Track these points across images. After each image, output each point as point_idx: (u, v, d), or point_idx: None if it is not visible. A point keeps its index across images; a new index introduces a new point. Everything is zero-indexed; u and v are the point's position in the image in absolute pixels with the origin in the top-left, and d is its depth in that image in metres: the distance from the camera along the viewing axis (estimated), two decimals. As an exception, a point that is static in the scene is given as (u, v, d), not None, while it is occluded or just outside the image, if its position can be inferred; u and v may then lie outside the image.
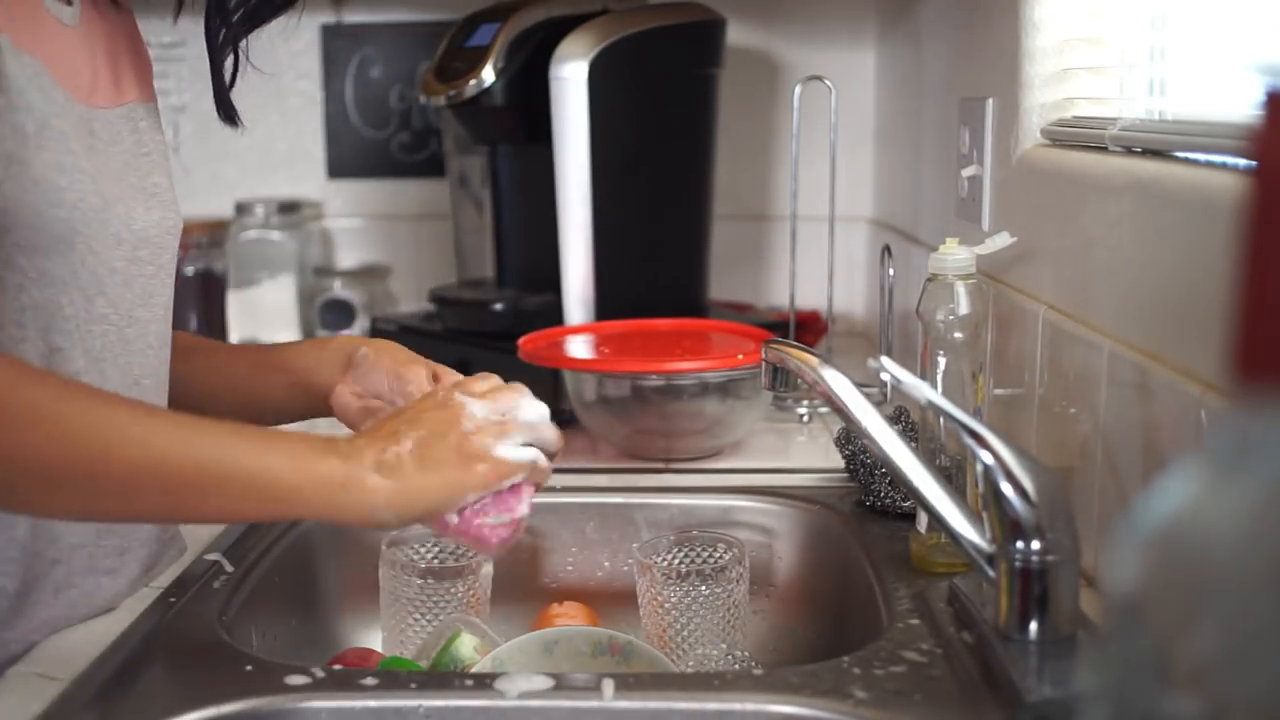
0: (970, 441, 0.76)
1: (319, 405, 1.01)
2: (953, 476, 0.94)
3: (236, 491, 0.75)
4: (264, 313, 1.89)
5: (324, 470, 0.76)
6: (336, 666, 0.92)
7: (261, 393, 1.02)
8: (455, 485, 0.79)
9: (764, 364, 0.95)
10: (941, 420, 0.94)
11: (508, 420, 0.82)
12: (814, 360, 0.89)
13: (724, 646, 1.01)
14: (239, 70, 0.99)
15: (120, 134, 0.90)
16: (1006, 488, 0.75)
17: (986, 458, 0.75)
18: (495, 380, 0.86)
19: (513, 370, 1.38)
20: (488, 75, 1.46)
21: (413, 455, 0.78)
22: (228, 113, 1.01)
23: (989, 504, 0.76)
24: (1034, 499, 0.75)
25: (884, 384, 1.46)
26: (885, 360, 0.80)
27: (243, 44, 0.98)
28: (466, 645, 0.95)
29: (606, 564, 1.16)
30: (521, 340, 1.31)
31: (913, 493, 0.82)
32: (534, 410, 0.84)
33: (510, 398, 0.84)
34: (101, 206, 0.84)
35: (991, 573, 0.78)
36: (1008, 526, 0.76)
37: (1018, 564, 0.76)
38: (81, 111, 0.86)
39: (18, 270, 0.81)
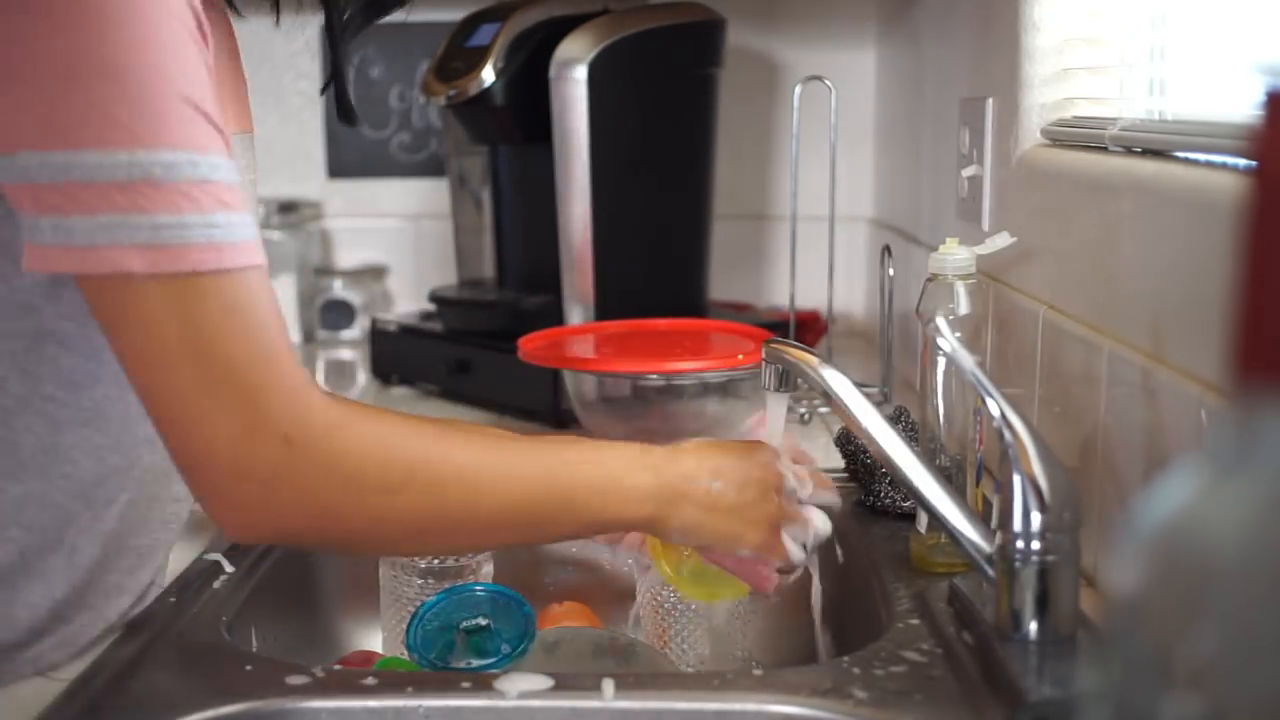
0: (1002, 426, 0.76)
1: None
2: (953, 476, 0.94)
3: (576, 526, 0.83)
4: (264, 313, 1.89)
5: (646, 512, 0.83)
6: (336, 667, 0.92)
7: None
8: (737, 540, 0.86)
9: (764, 364, 0.95)
10: (942, 421, 0.94)
11: (799, 510, 0.90)
12: (814, 360, 0.89)
13: (723, 646, 1.01)
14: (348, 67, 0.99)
15: (237, 158, 0.87)
16: (1020, 479, 0.75)
17: (1012, 444, 0.75)
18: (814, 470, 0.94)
19: (513, 370, 1.39)
20: (488, 75, 1.46)
21: (724, 503, 0.85)
22: (348, 112, 1.00)
23: (1002, 489, 0.76)
24: (1047, 495, 0.75)
25: (884, 383, 1.46)
26: (939, 321, 0.81)
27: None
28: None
29: (606, 564, 1.16)
30: (521, 340, 1.31)
31: (913, 492, 0.82)
32: (825, 524, 0.91)
33: (809, 481, 0.91)
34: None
35: (991, 572, 0.78)
36: (1016, 515, 0.75)
37: (1018, 564, 0.76)
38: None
39: None
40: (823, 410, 1.45)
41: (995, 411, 0.76)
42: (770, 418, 0.96)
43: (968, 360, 0.79)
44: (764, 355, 0.95)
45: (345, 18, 0.94)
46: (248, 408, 0.68)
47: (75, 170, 0.65)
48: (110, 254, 0.66)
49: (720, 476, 0.85)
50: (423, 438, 0.76)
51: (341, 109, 1.00)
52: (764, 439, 0.94)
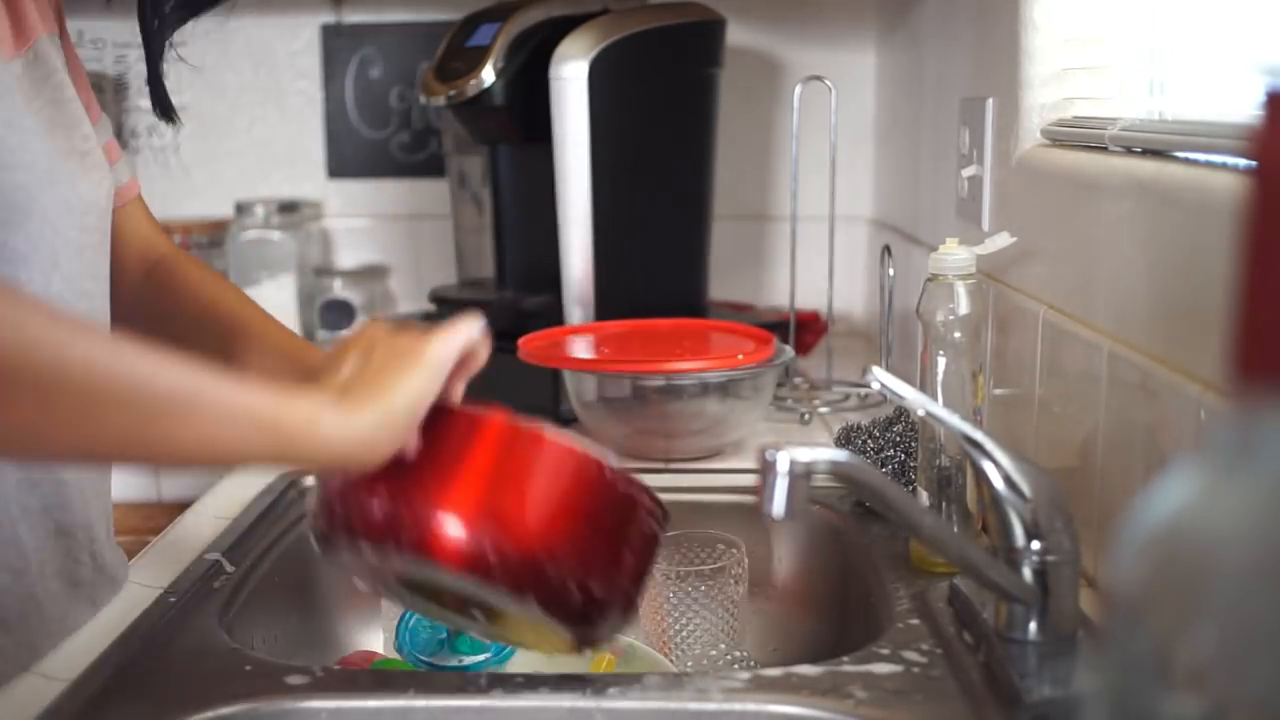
0: (968, 448, 0.76)
1: None
2: (952, 478, 0.94)
3: (217, 415, 0.66)
4: (264, 313, 1.89)
5: (302, 401, 0.69)
6: (336, 667, 0.92)
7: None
8: (409, 377, 0.73)
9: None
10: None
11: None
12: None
13: (723, 646, 1.01)
14: (165, 62, 0.96)
15: (38, 84, 0.85)
16: (1005, 493, 0.75)
17: (985, 464, 0.75)
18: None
19: (513, 370, 1.38)
20: (488, 75, 1.46)
21: (360, 373, 0.73)
22: (164, 108, 0.98)
23: (987, 509, 0.76)
24: (1032, 502, 0.75)
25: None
26: (877, 371, 0.79)
27: (176, 37, 0.95)
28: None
29: (606, 564, 1.16)
30: (521, 340, 1.31)
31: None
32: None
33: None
34: (50, 168, 0.80)
35: (1024, 596, 0.78)
36: (1007, 531, 0.76)
37: (1019, 563, 0.76)
38: (3, 73, 0.80)
39: None
40: (823, 410, 1.45)
41: (965, 429, 0.76)
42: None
43: (918, 401, 0.78)
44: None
45: (165, 10, 0.93)
46: None
47: None
48: None
49: (336, 369, 0.74)
50: (17, 295, 0.65)
51: (157, 104, 0.97)
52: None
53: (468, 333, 0.77)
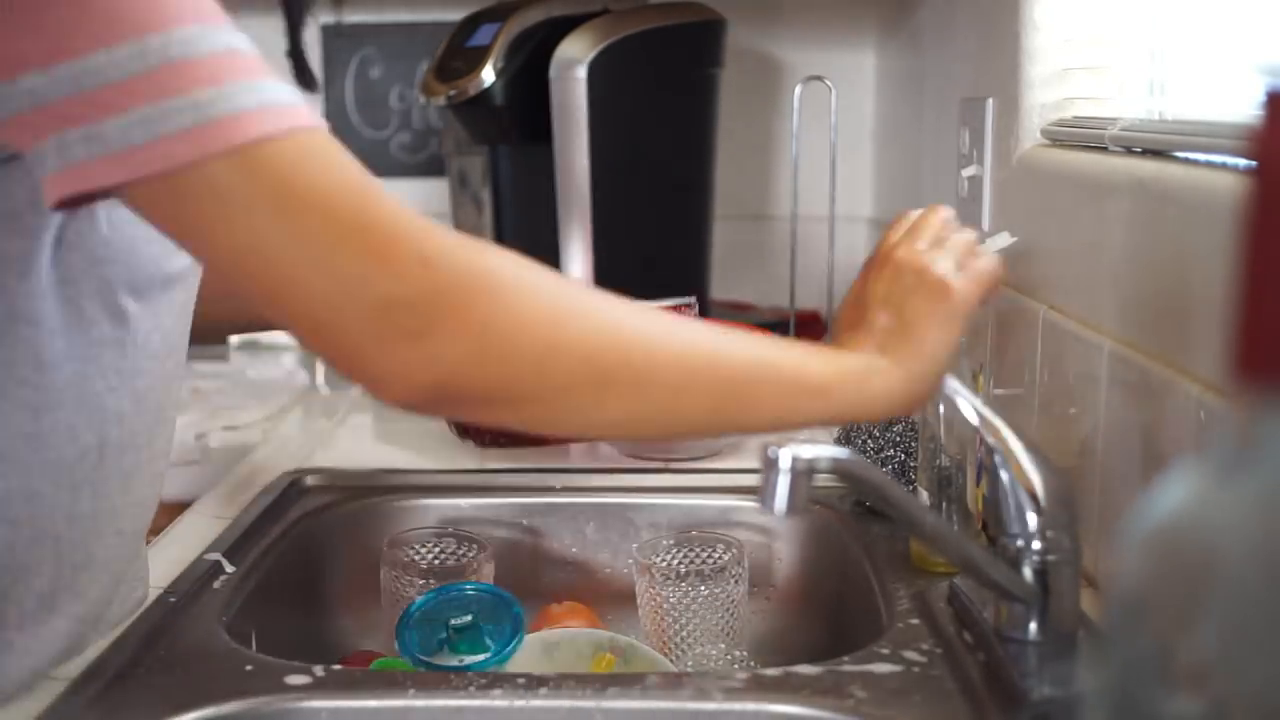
0: (985, 434, 0.76)
1: None
2: (952, 478, 0.94)
3: (777, 390, 0.71)
4: (264, 313, 1.89)
5: (850, 363, 0.74)
6: (336, 666, 0.92)
7: None
8: (944, 330, 0.76)
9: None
10: (942, 421, 0.94)
11: (946, 240, 0.80)
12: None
13: (723, 646, 1.01)
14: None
15: None
16: (1014, 485, 0.75)
17: (999, 451, 0.75)
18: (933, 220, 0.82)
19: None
20: (488, 75, 1.46)
21: (894, 325, 0.76)
22: (306, 79, 0.96)
23: (995, 499, 0.76)
24: (1042, 499, 0.75)
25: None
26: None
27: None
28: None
29: (606, 564, 1.16)
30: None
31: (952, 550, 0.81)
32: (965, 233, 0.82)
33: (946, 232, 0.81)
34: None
35: (1024, 595, 0.78)
36: (1012, 524, 0.75)
37: (1019, 563, 0.76)
38: None
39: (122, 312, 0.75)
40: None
41: (987, 415, 0.76)
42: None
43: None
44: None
45: None
46: (364, 238, 0.61)
47: (89, 76, 0.59)
48: (158, 148, 0.59)
49: (870, 320, 0.76)
50: (578, 298, 0.68)
51: (301, 76, 0.96)
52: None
53: (993, 269, 0.80)
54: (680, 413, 0.70)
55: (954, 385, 0.78)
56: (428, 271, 0.62)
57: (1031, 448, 0.76)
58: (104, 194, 0.62)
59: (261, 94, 0.61)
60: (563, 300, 0.67)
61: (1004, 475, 0.75)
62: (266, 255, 0.61)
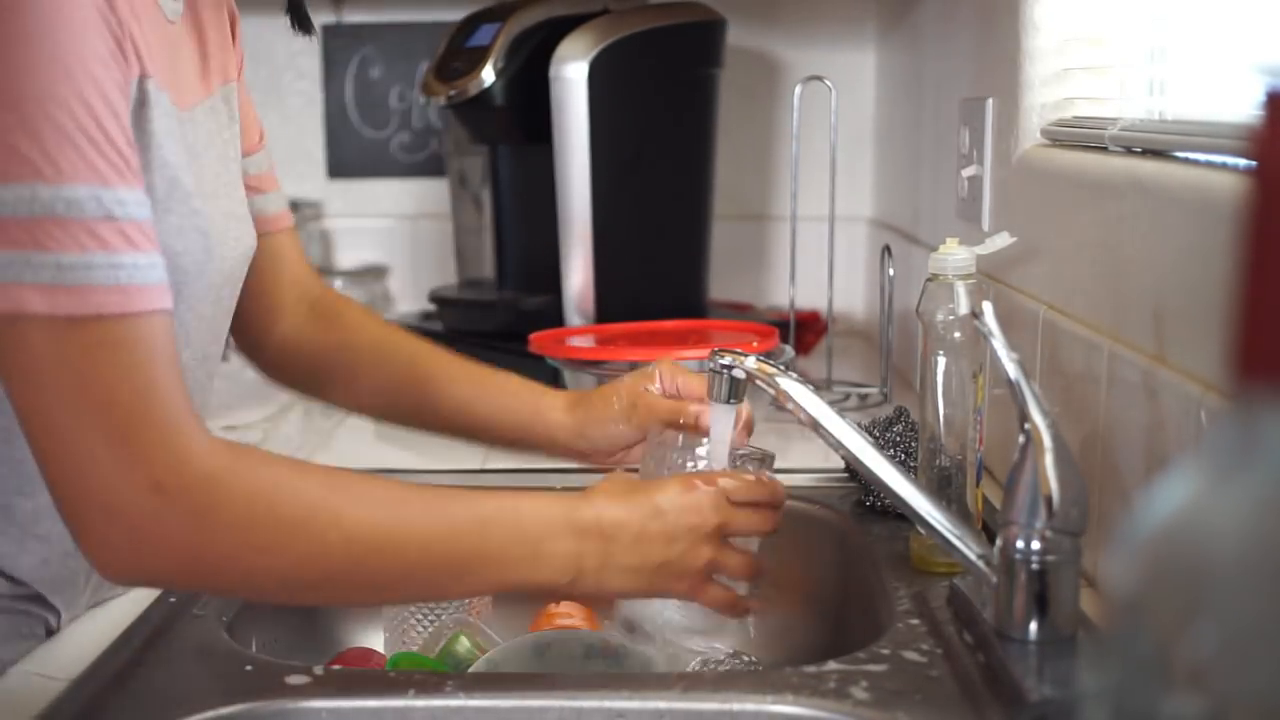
0: (1025, 417, 0.76)
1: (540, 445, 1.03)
2: (952, 477, 0.94)
3: (483, 588, 0.81)
4: (264, 313, 1.89)
5: (565, 580, 0.78)
6: (336, 666, 0.92)
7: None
8: (658, 593, 0.83)
9: (712, 374, 0.91)
10: (942, 421, 0.94)
11: (734, 555, 0.83)
12: (770, 370, 0.88)
13: (718, 646, 1.00)
14: None
15: (212, 132, 0.86)
16: (1034, 479, 0.75)
17: (1032, 440, 0.75)
18: (762, 489, 0.86)
19: (512, 369, 1.38)
20: (488, 75, 1.46)
21: (650, 562, 0.79)
22: (304, 21, 0.97)
23: (1012, 482, 0.76)
24: (1056, 503, 0.75)
25: (884, 383, 1.46)
26: (988, 306, 0.81)
27: None
28: (465, 645, 0.95)
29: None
30: (533, 336, 1.32)
31: (894, 498, 0.83)
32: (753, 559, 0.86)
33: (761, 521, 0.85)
34: (205, 260, 0.80)
35: (984, 568, 0.79)
36: (1022, 512, 0.76)
37: (1018, 564, 0.76)
38: (189, 126, 0.81)
39: None
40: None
41: (1029, 406, 0.76)
42: (716, 431, 0.92)
43: (1008, 352, 0.79)
44: (712, 365, 0.92)
45: None
46: (121, 450, 0.66)
47: None
48: (10, 291, 0.64)
49: (646, 536, 0.79)
50: (311, 494, 0.72)
51: (298, 18, 0.97)
52: (711, 451, 0.92)
53: (731, 601, 0.84)
54: (382, 601, 0.87)
55: (1020, 369, 0.78)
56: (157, 498, 0.66)
57: (1061, 447, 0.75)
58: None
59: (118, 271, 0.66)
60: (274, 525, 0.70)
61: (1027, 466, 0.75)
62: (49, 420, 0.66)
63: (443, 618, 1.01)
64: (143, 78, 0.73)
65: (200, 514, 0.67)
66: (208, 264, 0.81)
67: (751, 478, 0.85)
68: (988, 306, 0.81)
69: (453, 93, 1.48)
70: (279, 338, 1.06)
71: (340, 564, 0.71)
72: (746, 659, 1.03)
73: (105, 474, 0.66)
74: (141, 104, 0.74)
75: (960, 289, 0.93)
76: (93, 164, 0.65)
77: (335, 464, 1.24)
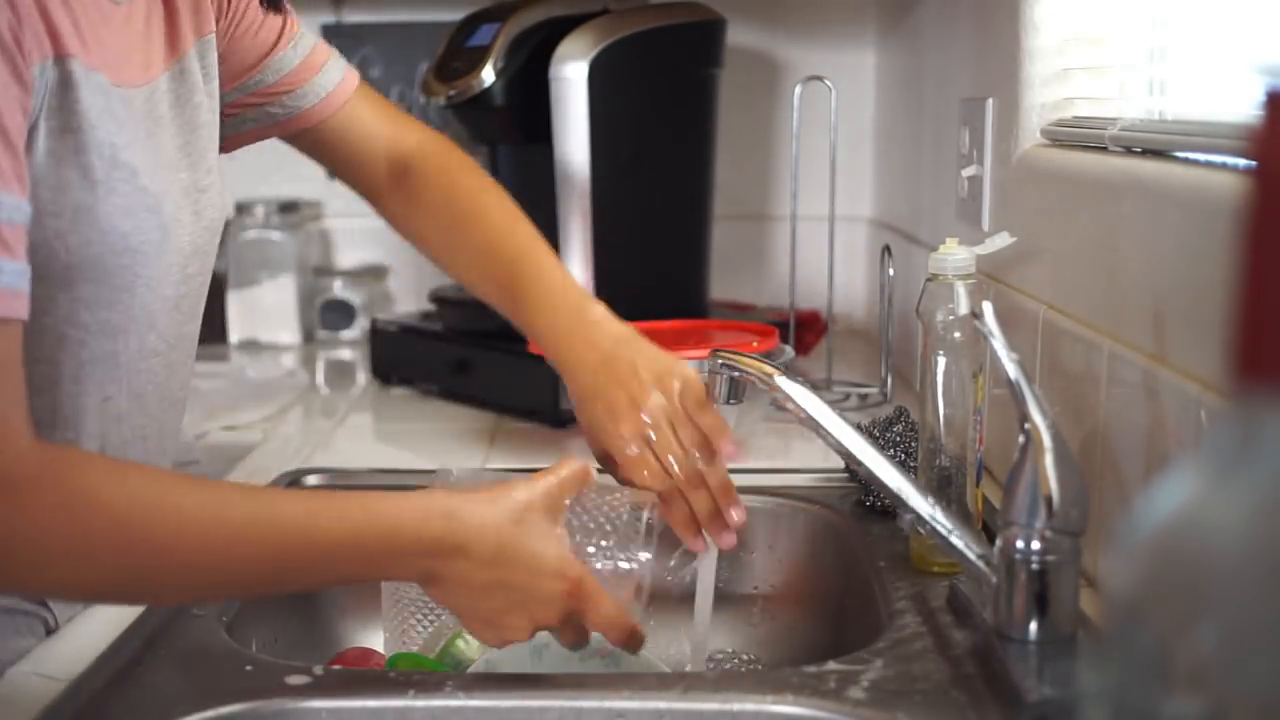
0: (1025, 418, 0.76)
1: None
2: (952, 477, 0.94)
3: (337, 575, 0.77)
4: (264, 313, 1.89)
5: (401, 572, 0.77)
6: (336, 666, 0.92)
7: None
8: (485, 629, 0.78)
9: (711, 374, 0.93)
10: (942, 421, 0.94)
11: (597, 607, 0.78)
12: (771, 371, 0.88)
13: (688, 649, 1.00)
14: None
15: (178, 101, 0.85)
16: (1034, 479, 0.75)
17: (1032, 441, 0.75)
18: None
19: (513, 370, 1.39)
20: (488, 75, 1.46)
21: (485, 615, 0.76)
22: (274, 1, 0.97)
23: (1012, 482, 0.76)
24: (1056, 503, 0.75)
25: (884, 383, 1.46)
26: (988, 306, 0.81)
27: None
28: (465, 645, 0.95)
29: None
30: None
31: (893, 497, 0.83)
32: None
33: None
34: (161, 239, 0.80)
35: (983, 568, 0.79)
36: (1019, 512, 0.76)
37: (1018, 564, 0.76)
38: (139, 103, 0.81)
39: (80, 326, 0.78)
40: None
41: (1029, 406, 0.76)
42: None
43: (1008, 352, 0.79)
44: (710, 366, 0.93)
45: None
46: None
47: None
48: None
49: (482, 597, 0.75)
50: (132, 498, 0.69)
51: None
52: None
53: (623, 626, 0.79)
54: (215, 597, 0.81)
55: (1019, 369, 0.78)
56: (11, 457, 0.65)
57: (1061, 447, 0.75)
58: None
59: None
60: (84, 534, 0.67)
61: (1027, 466, 0.75)
62: None
63: (443, 617, 1.01)
64: (61, 58, 0.72)
65: (10, 519, 0.65)
66: (164, 242, 0.81)
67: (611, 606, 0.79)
68: (988, 306, 0.81)
69: (452, 93, 1.48)
70: (387, 205, 1.07)
71: (152, 571, 0.69)
72: (746, 658, 1.03)
73: None
74: (65, 85, 0.73)
75: (960, 289, 0.93)
76: None
77: (334, 464, 1.24)
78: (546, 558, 0.76)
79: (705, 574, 0.95)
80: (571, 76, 1.43)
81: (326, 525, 0.71)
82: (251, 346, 1.89)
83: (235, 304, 1.88)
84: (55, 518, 0.66)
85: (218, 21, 0.93)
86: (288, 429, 1.45)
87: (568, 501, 0.80)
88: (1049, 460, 0.75)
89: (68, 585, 0.70)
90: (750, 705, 0.74)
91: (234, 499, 0.72)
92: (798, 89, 1.52)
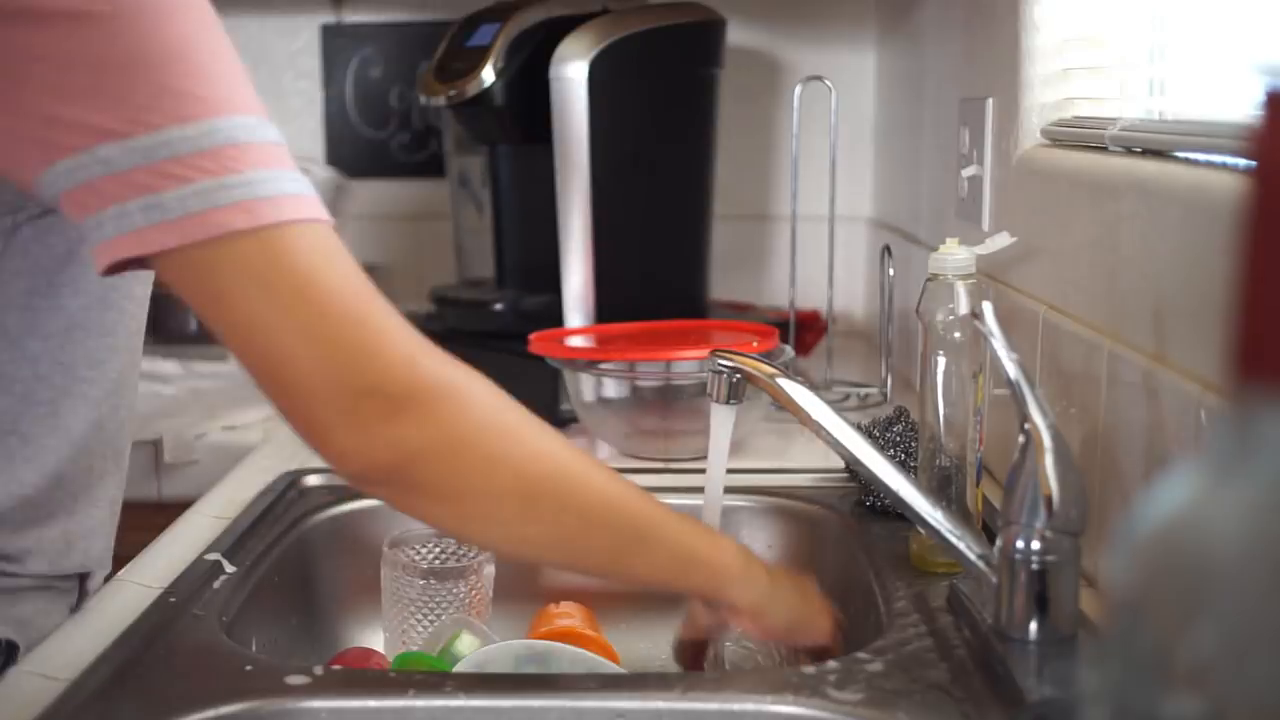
0: (1025, 418, 0.76)
1: None
2: (952, 477, 0.94)
3: (665, 550, 0.80)
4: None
5: (727, 559, 0.82)
6: (336, 666, 0.92)
7: None
8: (804, 619, 0.87)
9: (711, 374, 0.94)
10: (942, 421, 0.94)
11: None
12: (770, 371, 0.89)
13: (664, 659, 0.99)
14: None
15: None
16: (1034, 479, 0.75)
17: (1032, 441, 0.75)
18: None
19: (513, 370, 1.38)
20: (488, 75, 1.46)
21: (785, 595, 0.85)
22: None
23: (1012, 482, 0.76)
24: (1056, 503, 0.75)
25: (884, 383, 1.46)
26: (988, 311, 0.81)
27: None
28: (466, 645, 0.95)
29: (606, 564, 1.15)
30: (533, 336, 1.32)
31: (894, 499, 0.83)
32: None
33: None
34: None
35: (983, 567, 0.79)
36: (1023, 512, 0.76)
37: (1017, 564, 0.76)
38: None
39: (138, 301, 0.89)
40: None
41: (1029, 406, 0.76)
42: (715, 432, 0.94)
43: (1008, 352, 0.79)
44: (710, 366, 0.94)
45: None
46: (359, 331, 0.69)
47: (161, 149, 0.66)
48: (213, 217, 0.66)
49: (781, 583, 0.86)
50: (525, 422, 0.76)
51: None
52: (711, 450, 0.94)
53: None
54: (584, 546, 0.79)
55: (1019, 369, 0.78)
56: (409, 370, 0.70)
57: (1061, 447, 0.75)
58: (143, 263, 0.68)
59: (297, 183, 0.69)
60: (511, 420, 0.75)
61: (1027, 466, 0.75)
62: (268, 330, 0.68)
63: (443, 618, 1.01)
64: None
65: (450, 380, 0.72)
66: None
67: None
68: (988, 306, 0.81)
69: (452, 93, 1.48)
70: None
71: (550, 489, 0.75)
72: (747, 646, 1.03)
73: (352, 360, 0.68)
74: None
75: (960, 289, 0.93)
76: (251, 98, 0.70)
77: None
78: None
79: (719, 434, 0.95)
80: (571, 76, 1.43)
81: (657, 508, 0.80)
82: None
83: (235, 304, 1.88)
84: (467, 417, 0.72)
85: None
86: (288, 429, 1.45)
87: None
88: (1049, 460, 0.75)
89: (482, 493, 0.74)
90: (750, 705, 0.74)
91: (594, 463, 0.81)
92: (798, 89, 1.52)
